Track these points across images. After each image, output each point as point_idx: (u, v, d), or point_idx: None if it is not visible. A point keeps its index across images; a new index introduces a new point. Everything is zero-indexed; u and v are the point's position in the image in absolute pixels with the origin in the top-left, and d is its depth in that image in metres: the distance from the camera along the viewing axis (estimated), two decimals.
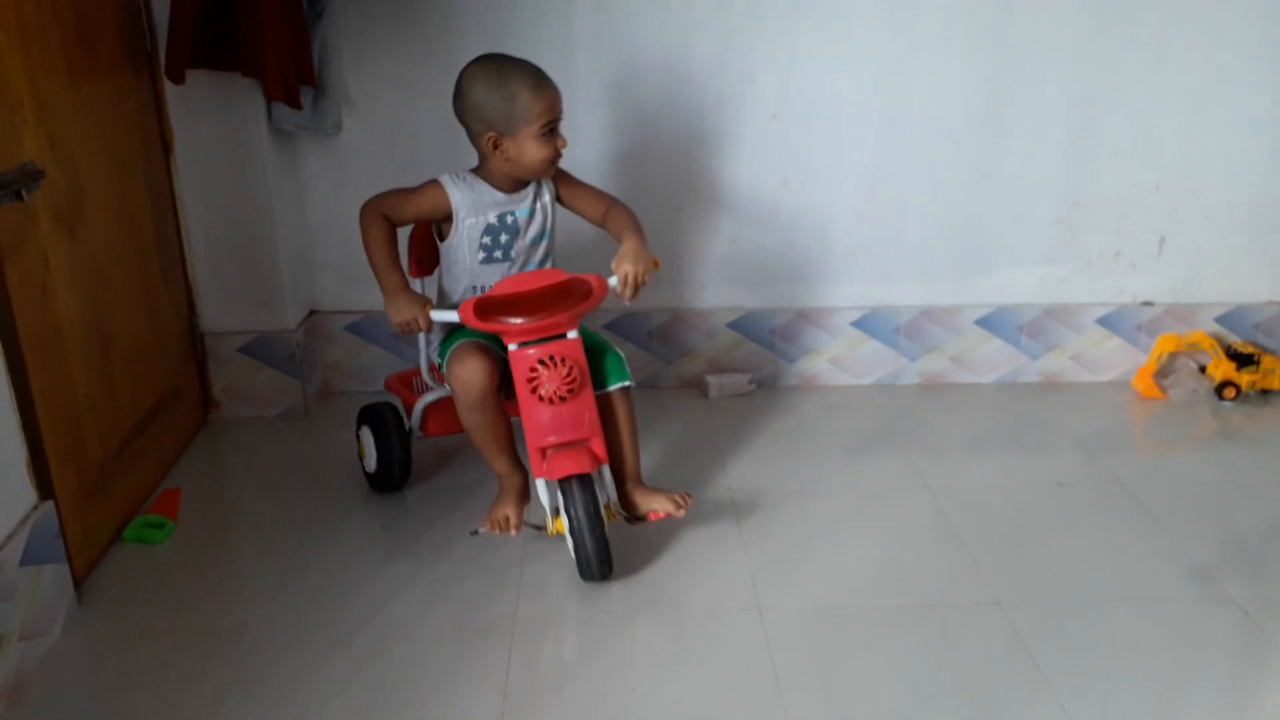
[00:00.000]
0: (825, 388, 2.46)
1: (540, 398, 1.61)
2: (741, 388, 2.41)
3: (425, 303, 1.69)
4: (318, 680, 1.45)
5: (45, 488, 1.56)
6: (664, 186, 2.30)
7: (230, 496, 1.99)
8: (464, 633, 1.56)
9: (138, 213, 1.94)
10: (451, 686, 1.44)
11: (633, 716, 1.39)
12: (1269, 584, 1.67)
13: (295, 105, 2.00)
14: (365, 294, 2.25)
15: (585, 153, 2.23)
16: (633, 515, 1.74)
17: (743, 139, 2.27)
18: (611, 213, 1.76)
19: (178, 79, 1.93)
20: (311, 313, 2.35)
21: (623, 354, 1.76)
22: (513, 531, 1.70)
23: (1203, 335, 2.41)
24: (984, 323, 2.43)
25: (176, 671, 1.47)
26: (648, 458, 2.06)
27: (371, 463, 1.94)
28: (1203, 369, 2.42)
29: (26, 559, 1.46)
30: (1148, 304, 2.45)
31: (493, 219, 1.74)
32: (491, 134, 1.68)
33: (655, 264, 1.68)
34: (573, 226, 1.89)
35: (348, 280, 2.32)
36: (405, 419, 1.93)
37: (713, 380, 2.39)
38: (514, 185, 1.76)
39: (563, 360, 1.60)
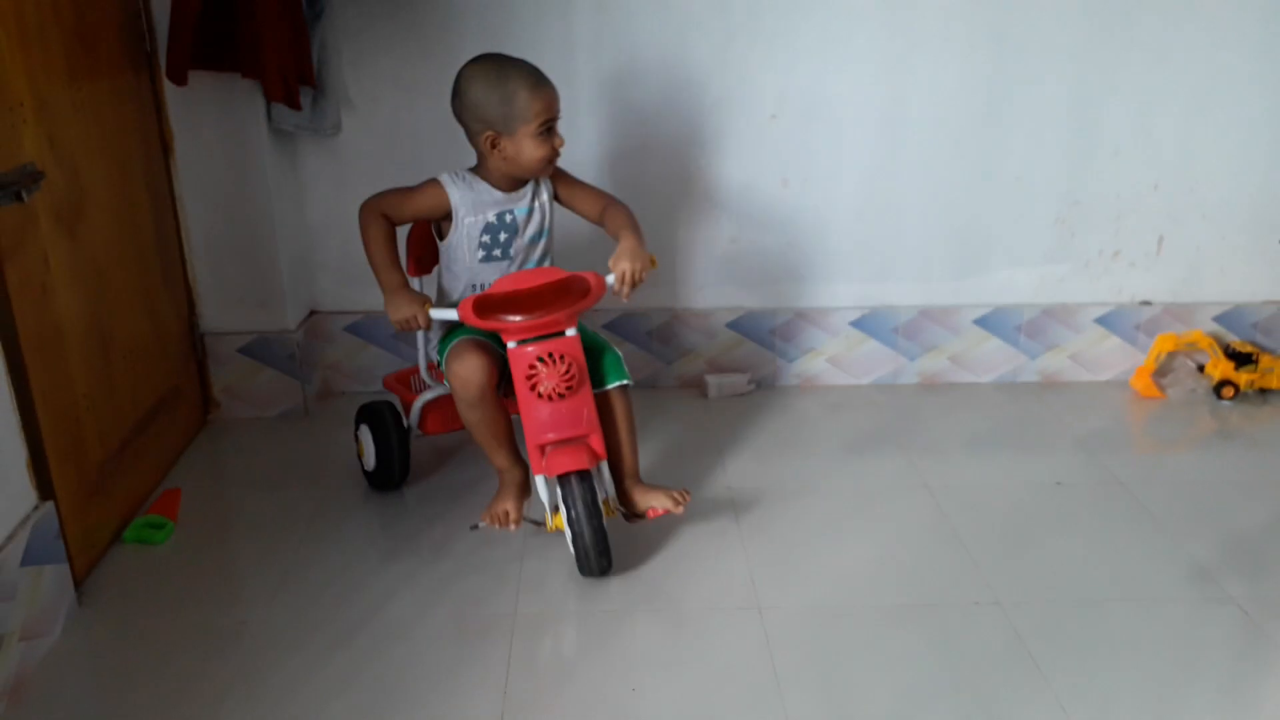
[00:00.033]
0: (824, 387, 2.46)
1: (539, 395, 1.61)
2: (741, 387, 2.41)
3: (425, 301, 1.70)
4: (318, 680, 1.45)
5: (45, 488, 1.56)
6: (663, 186, 2.30)
7: (230, 497, 1.99)
8: (464, 632, 1.56)
9: (138, 213, 1.95)
10: (451, 686, 1.44)
11: (633, 716, 1.39)
12: (1268, 583, 1.67)
13: (295, 106, 2.00)
14: (365, 294, 2.25)
15: (585, 153, 2.24)
16: (631, 512, 1.75)
17: (742, 139, 2.28)
18: (609, 211, 1.77)
19: (180, 80, 1.93)
20: (311, 313, 2.35)
21: (621, 353, 1.77)
22: (512, 526, 1.71)
23: (1201, 334, 2.41)
24: (983, 322, 2.44)
25: (177, 671, 1.47)
26: (647, 457, 2.06)
27: (370, 461, 1.94)
28: (1201, 368, 2.42)
29: (27, 559, 1.47)
30: (1146, 303, 2.45)
31: (492, 218, 1.75)
32: (489, 133, 1.68)
33: (652, 262, 1.69)
34: (570, 225, 1.89)
35: (348, 281, 2.32)
36: (403, 417, 1.94)
37: (712, 380, 2.39)
38: (512, 184, 1.76)
39: (561, 357, 1.61)
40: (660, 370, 2.45)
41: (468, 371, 1.65)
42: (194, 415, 2.21)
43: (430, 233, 1.85)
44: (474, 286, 1.77)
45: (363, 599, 1.64)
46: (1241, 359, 2.37)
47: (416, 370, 2.01)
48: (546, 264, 1.82)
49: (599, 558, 1.64)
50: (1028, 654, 1.50)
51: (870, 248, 2.37)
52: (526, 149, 1.68)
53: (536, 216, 1.79)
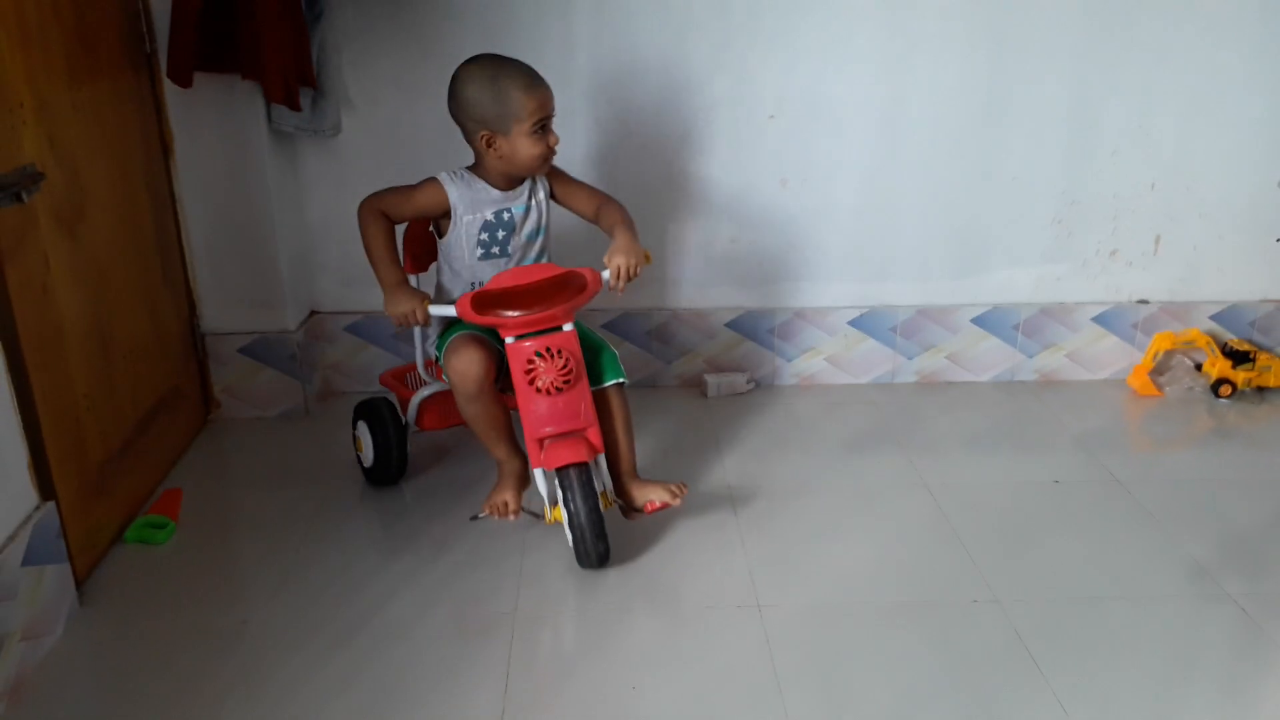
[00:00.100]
0: (823, 386, 2.47)
1: (538, 389, 1.63)
2: (740, 387, 2.41)
3: (423, 297, 1.72)
4: (319, 679, 1.46)
5: (46, 488, 1.56)
6: (663, 186, 2.31)
7: (231, 496, 1.99)
8: (464, 631, 1.57)
9: (138, 214, 1.95)
10: (452, 685, 1.45)
11: (633, 715, 1.40)
12: (1267, 581, 1.68)
13: (295, 107, 2.01)
14: (365, 295, 2.26)
15: (584, 152, 2.24)
16: (629, 507, 1.76)
17: (741, 139, 2.28)
18: (604, 209, 1.79)
19: (185, 83, 1.93)
20: (312, 313, 2.35)
21: (618, 352, 1.79)
22: (512, 516, 1.74)
23: (1199, 333, 2.42)
24: (981, 321, 2.44)
25: (178, 671, 1.48)
26: (647, 456, 2.07)
27: (369, 457, 1.95)
28: (1199, 367, 2.43)
29: (28, 559, 1.47)
30: (1144, 302, 2.46)
31: (490, 216, 1.76)
32: (485, 132, 1.70)
33: (647, 257, 1.71)
34: (566, 222, 1.90)
35: (348, 281, 2.33)
36: (401, 414, 1.95)
37: (711, 379, 2.40)
38: (509, 182, 1.77)
39: (559, 352, 1.63)
40: (660, 370, 2.45)
41: (466, 365, 1.66)
42: (195, 415, 2.21)
43: (427, 231, 1.87)
44: (473, 284, 1.79)
45: (363, 598, 1.64)
46: (1239, 357, 2.38)
47: (413, 367, 2.03)
48: (544, 261, 1.84)
49: (597, 546, 1.66)
50: (1026, 652, 1.51)
51: (869, 247, 2.38)
52: (522, 147, 1.69)
53: (534, 214, 1.80)
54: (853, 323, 2.43)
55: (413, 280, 1.81)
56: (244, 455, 2.14)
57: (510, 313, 1.62)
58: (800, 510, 1.90)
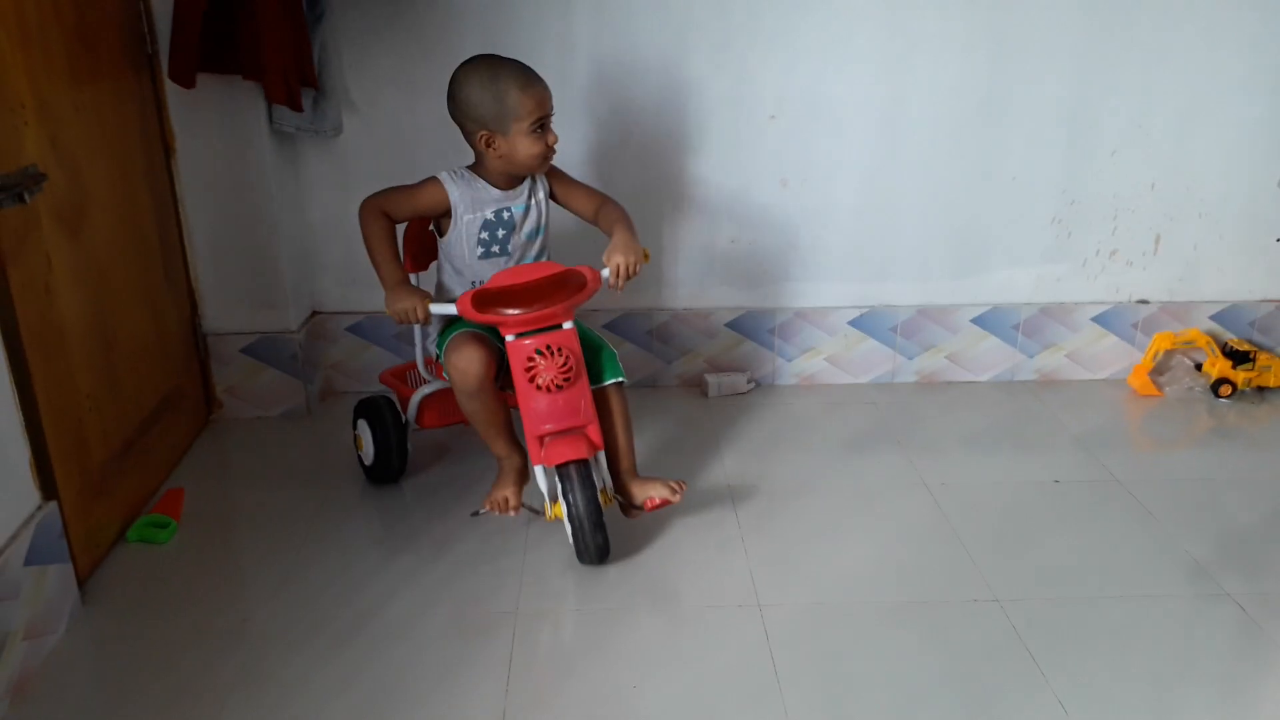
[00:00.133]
0: (823, 386, 2.47)
1: (538, 386, 1.64)
2: (740, 386, 2.42)
3: (424, 296, 1.72)
4: (321, 678, 1.46)
5: (49, 488, 1.57)
6: (663, 186, 2.31)
7: (233, 496, 2.00)
8: (465, 630, 1.57)
9: (140, 214, 1.95)
10: (453, 684, 1.45)
11: (634, 713, 1.40)
12: (1266, 580, 1.68)
13: (296, 107, 2.01)
14: (367, 295, 2.26)
15: (583, 152, 2.25)
16: (629, 505, 1.77)
17: (741, 139, 2.28)
18: (603, 210, 1.80)
19: (187, 83, 1.94)
20: (314, 314, 2.35)
21: (617, 352, 1.80)
22: (512, 512, 1.75)
23: (1198, 333, 2.42)
24: (980, 321, 2.45)
25: (180, 670, 1.48)
26: (649, 456, 2.07)
27: (369, 455, 1.96)
28: (1199, 366, 2.43)
29: (31, 559, 1.47)
30: (1143, 302, 2.46)
31: (490, 215, 1.77)
32: (484, 132, 1.71)
33: (646, 256, 1.72)
34: (565, 221, 1.91)
35: (349, 281, 2.33)
36: (401, 412, 1.95)
37: (712, 379, 2.40)
38: (509, 181, 1.78)
39: (559, 350, 1.63)
40: (660, 369, 2.45)
41: (466, 363, 1.67)
42: (197, 415, 2.21)
43: (426, 230, 1.88)
44: (473, 282, 1.79)
45: (364, 597, 1.65)
46: (1239, 357, 2.38)
47: (413, 366, 2.04)
48: (544, 259, 1.84)
49: (595, 537, 1.67)
50: (1026, 651, 1.51)
51: (869, 247, 2.38)
52: (521, 146, 1.70)
53: (533, 213, 1.81)
54: (853, 323, 2.43)
55: (412, 279, 1.82)
56: (246, 455, 2.15)
57: (510, 311, 1.63)
58: (800, 510, 1.91)
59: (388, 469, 1.96)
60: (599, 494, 1.68)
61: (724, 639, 1.55)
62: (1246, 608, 1.61)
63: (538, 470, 1.72)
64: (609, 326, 2.39)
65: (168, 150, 2.07)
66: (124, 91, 1.90)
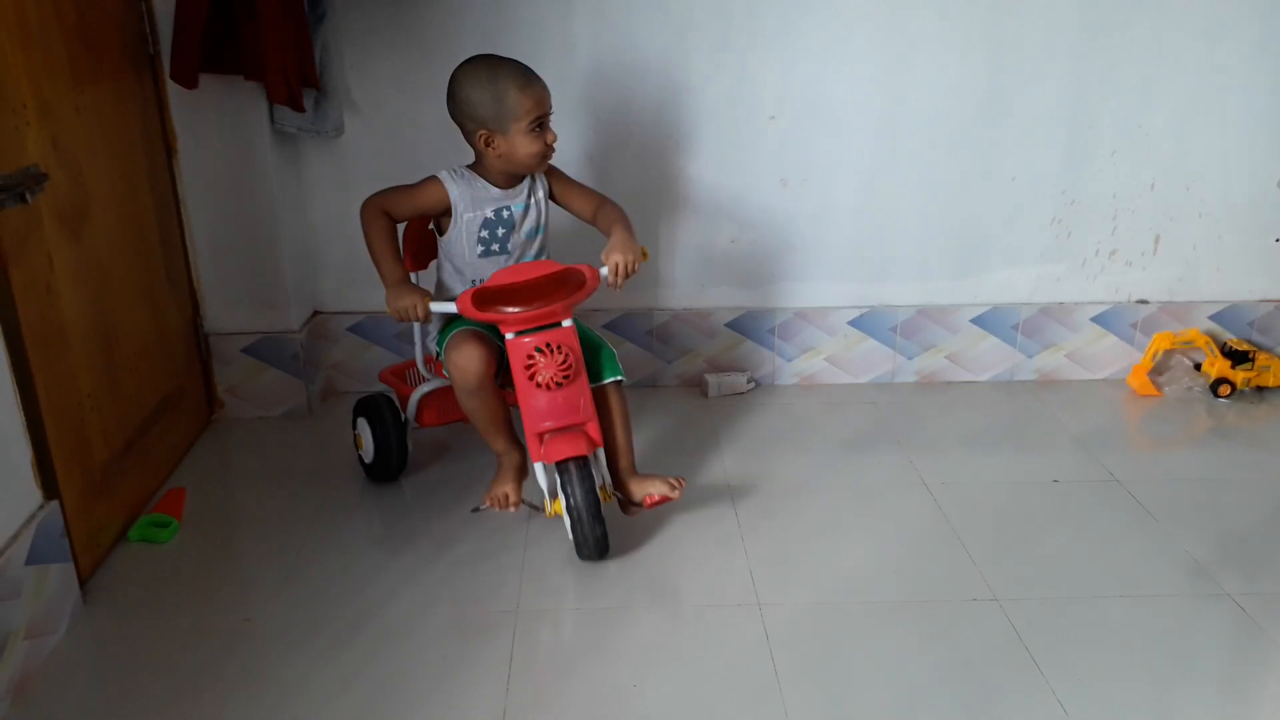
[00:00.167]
0: (823, 386, 2.48)
1: (537, 384, 1.65)
2: (740, 386, 2.42)
3: (424, 294, 1.73)
4: (322, 678, 1.47)
5: (50, 487, 1.57)
6: (662, 186, 2.31)
7: (234, 496, 2.00)
8: (465, 629, 1.58)
9: (141, 214, 1.96)
10: (453, 683, 1.45)
11: (634, 712, 1.40)
12: (1265, 579, 1.68)
13: (298, 108, 2.02)
14: (368, 295, 2.27)
15: (583, 153, 2.25)
16: (628, 502, 1.77)
17: (741, 139, 2.29)
18: (602, 210, 1.81)
19: (190, 84, 1.94)
20: (315, 314, 2.36)
21: (616, 351, 1.80)
22: (512, 508, 1.76)
23: (1198, 333, 2.42)
24: (980, 321, 2.45)
25: (181, 669, 1.48)
26: (648, 455, 2.08)
27: (369, 454, 1.96)
28: (1198, 366, 2.43)
29: (32, 558, 1.48)
30: (1143, 302, 2.46)
31: (490, 213, 1.78)
32: (483, 132, 1.72)
33: (644, 254, 1.72)
34: (564, 219, 1.91)
35: (351, 282, 2.33)
36: (401, 410, 1.96)
37: (712, 379, 2.41)
38: (509, 180, 1.79)
39: (558, 347, 1.64)
40: (660, 369, 2.46)
41: (466, 360, 1.68)
42: (198, 415, 2.22)
43: (426, 229, 1.89)
44: (473, 281, 1.80)
45: (365, 597, 1.65)
46: (1238, 357, 2.38)
47: (412, 364, 2.04)
48: (543, 258, 1.85)
49: (594, 529, 1.67)
50: (1026, 651, 1.51)
51: (868, 247, 2.39)
52: (520, 145, 1.71)
53: (533, 212, 1.82)
54: (853, 323, 2.44)
55: (413, 278, 1.82)
56: (247, 455, 2.15)
57: (510, 309, 1.64)
58: (800, 509, 1.91)
59: (387, 467, 1.96)
60: (598, 490, 1.69)
61: (724, 638, 1.55)
62: (1246, 608, 1.61)
63: (537, 467, 1.72)
64: (609, 326, 2.39)
65: (169, 150, 2.07)
66: (125, 92, 1.91)
